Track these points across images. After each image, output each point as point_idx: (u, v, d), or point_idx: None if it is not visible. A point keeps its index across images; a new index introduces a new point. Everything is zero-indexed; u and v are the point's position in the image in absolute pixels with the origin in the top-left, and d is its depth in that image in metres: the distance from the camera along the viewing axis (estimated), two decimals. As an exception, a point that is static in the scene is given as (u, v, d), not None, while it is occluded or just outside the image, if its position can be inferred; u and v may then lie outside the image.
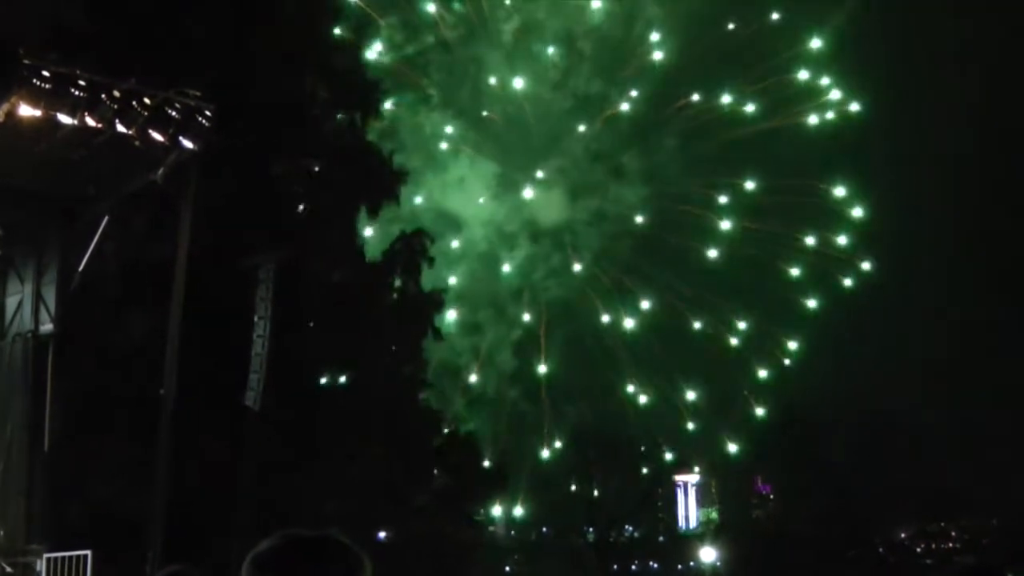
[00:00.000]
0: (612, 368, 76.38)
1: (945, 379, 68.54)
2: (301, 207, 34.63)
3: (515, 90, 71.44)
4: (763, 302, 75.50)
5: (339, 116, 37.70)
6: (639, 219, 74.64)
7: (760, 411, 77.28)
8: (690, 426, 79.09)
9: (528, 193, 73.02)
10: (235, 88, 28.65)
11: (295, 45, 34.97)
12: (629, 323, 75.44)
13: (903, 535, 79.35)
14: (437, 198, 69.18)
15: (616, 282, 75.51)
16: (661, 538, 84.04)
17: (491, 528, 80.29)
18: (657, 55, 73.16)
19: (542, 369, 74.96)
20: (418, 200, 63.96)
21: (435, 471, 49.80)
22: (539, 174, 73.26)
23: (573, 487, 79.56)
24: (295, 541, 2.51)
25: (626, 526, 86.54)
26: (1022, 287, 66.24)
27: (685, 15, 71.55)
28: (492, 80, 71.36)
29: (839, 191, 73.98)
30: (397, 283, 40.51)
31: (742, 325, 75.64)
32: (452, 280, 67.85)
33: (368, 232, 41.55)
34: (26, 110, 17.50)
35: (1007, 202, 68.17)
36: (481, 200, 72.44)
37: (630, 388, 77.42)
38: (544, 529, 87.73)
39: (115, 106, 18.04)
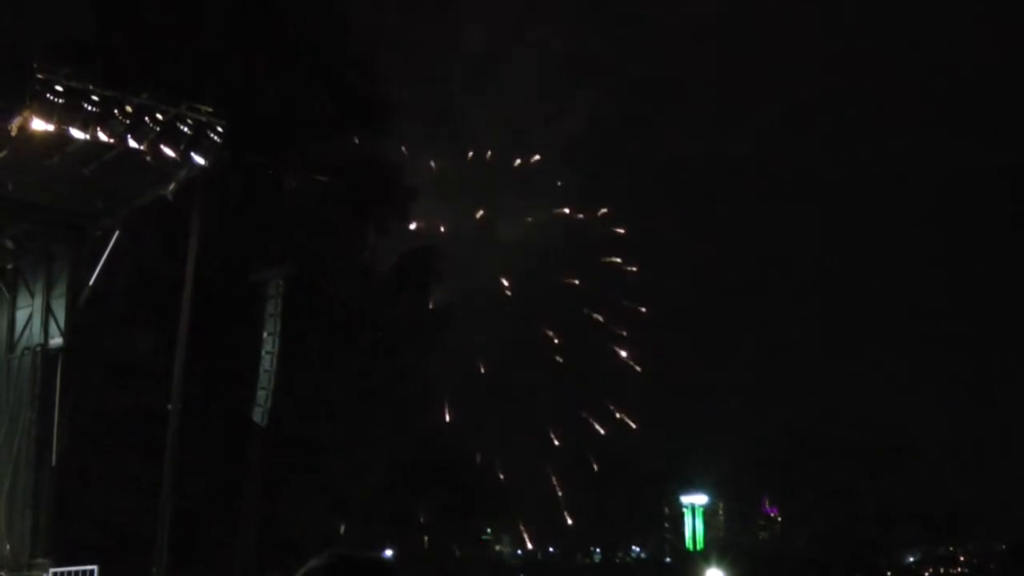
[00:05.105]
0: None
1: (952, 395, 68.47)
2: (310, 223, 34.65)
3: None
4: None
5: (349, 133, 37.76)
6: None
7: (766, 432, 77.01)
8: (697, 446, 78.95)
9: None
10: (245, 103, 28.74)
11: (306, 61, 35.11)
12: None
13: (910, 559, 78.70)
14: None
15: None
16: (667, 558, 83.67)
17: (497, 547, 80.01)
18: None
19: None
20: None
21: (439, 488, 49.67)
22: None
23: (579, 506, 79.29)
24: (347, 561, 2.52)
25: (632, 546, 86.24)
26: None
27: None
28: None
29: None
30: (405, 299, 40.44)
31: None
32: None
33: (377, 248, 41.47)
34: (38, 124, 17.49)
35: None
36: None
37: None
38: (551, 548, 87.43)
39: (127, 121, 18.01)
